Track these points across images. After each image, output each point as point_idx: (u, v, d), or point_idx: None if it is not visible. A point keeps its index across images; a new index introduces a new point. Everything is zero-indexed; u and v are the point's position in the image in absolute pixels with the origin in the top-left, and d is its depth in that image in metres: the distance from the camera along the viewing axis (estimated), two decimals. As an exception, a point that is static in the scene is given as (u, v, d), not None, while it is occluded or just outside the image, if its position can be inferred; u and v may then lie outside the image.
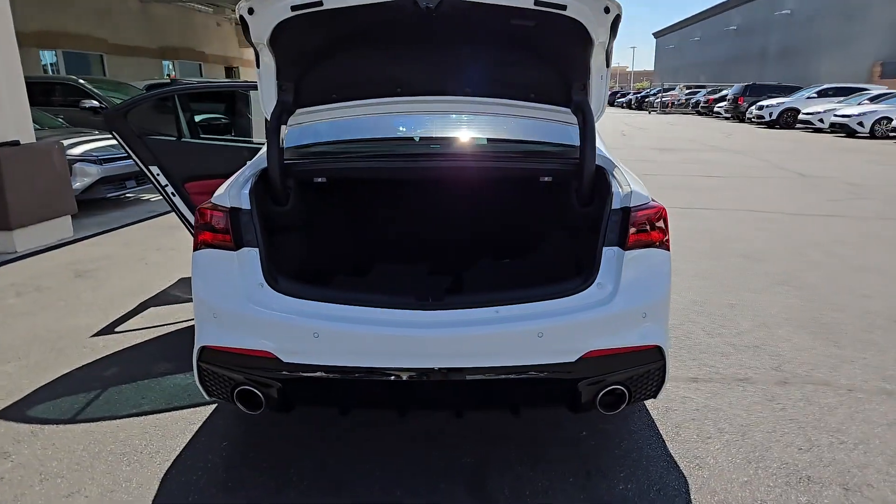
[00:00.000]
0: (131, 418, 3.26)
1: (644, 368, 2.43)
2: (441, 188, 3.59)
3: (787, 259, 6.16)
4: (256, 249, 2.48)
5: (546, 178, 2.98)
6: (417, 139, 3.39)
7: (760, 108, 25.79)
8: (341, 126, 3.23)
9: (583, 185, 2.72)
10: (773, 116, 24.83)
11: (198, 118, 7.05)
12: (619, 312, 2.34)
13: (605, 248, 2.44)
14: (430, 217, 3.78)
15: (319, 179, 2.99)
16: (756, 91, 28.48)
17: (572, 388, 2.39)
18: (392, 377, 2.34)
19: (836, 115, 21.03)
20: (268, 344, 2.37)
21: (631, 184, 2.54)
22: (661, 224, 2.46)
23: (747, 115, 27.24)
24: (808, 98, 24.65)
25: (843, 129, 20.64)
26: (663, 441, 2.97)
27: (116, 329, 4.48)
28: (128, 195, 9.58)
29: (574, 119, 2.87)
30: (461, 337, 2.28)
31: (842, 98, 23.35)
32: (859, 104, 21.20)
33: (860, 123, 19.90)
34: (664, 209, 2.49)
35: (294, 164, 2.92)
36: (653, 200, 2.50)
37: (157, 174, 4.42)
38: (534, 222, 3.64)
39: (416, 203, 3.75)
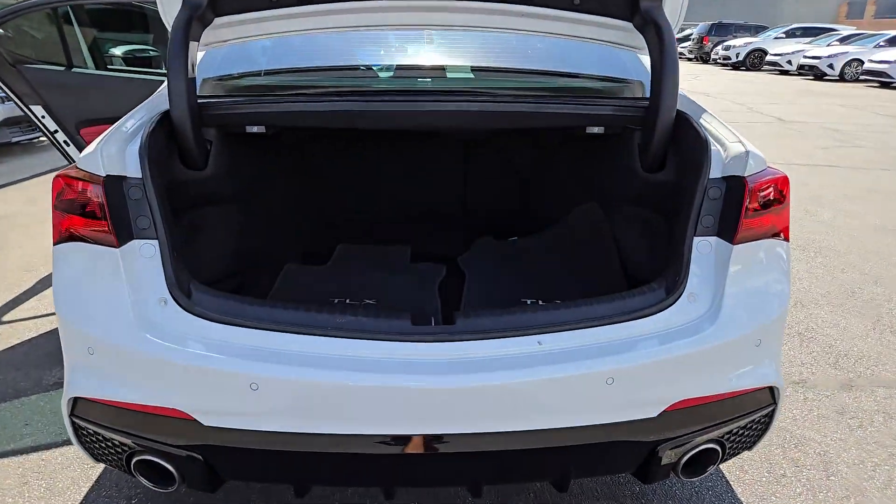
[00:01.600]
0: (7, 459, 2.39)
1: (749, 418, 1.66)
2: (436, 144, 2.65)
3: (795, 218, 5.49)
4: (155, 242, 1.57)
5: (595, 130, 2.07)
6: (401, 68, 2.41)
7: (727, 48, 25.02)
8: (287, 47, 2.25)
9: (654, 139, 1.85)
10: (740, 57, 24.12)
11: (120, 49, 5.80)
12: (724, 341, 1.54)
13: (696, 239, 1.62)
14: (420, 187, 2.84)
15: (255, 129, 2.01)
16: (722, 30, 27.65)
17: (649, 453, 1.60)
18: (377, 449, 1.50)
19: (805, 57, 20.47)
20: (178, 398, 1.50)
21: (742, 140, 1.70)
22: (784, 202, 1.65)
23: (713, 56, 26.51)
24: (776, 38, 24.01)
25: (812, 72, 20.16)
26: (728, 484, 2.26)
27: (4, 318, 3.48)
28: (41, 139, 8.23)
29: (637, 40, 1.96)
30: (488, 388, 1.44)
31: (810, 39, 22.81)
32: (829, 45, 20.70)
33: (830, 66, 19.40)
34: (787, 178, 1.67)
35: (214, 105, 1.93)
36: (770, 166, 1.67)
37: (43, 116, 3.35)
38: (574, 195, 2.70)
39: (401, 166, 2.80)
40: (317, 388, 1.44)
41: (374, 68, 2.43)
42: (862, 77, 18.37)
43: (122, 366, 1.52)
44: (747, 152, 1.61)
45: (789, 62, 21.63)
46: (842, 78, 19.24)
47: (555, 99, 1.99)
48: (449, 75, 2.36)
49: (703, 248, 1.62)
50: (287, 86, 2.20)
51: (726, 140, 1.70)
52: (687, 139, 1.76)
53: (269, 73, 2.27)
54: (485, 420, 1.48)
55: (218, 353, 1.47)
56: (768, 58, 22.90)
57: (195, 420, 1.49)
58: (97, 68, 3.99)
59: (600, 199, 2.42)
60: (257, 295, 2.19)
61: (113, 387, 1.53)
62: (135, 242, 1.57)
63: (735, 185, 1.60)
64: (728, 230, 1.60)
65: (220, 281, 2.10)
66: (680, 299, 1.58)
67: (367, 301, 2.15)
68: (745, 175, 1.59)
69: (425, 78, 2.36)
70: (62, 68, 3.51)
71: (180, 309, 1.53)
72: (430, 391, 1.43)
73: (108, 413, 1.56)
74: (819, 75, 19.96)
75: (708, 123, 1.80)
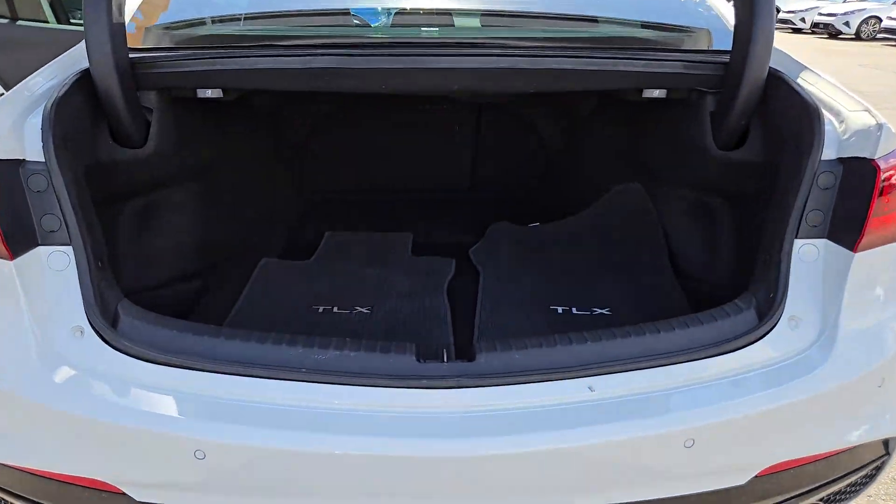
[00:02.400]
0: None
1: (856, 476, 1.28)
2: (444, 110, 2.22)
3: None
4: (68, 249, 1.16)
5: (655, 93, 1.62)
6: (401, 14, 1.94)
7: (737, 5, 24.29)
8: None
9: (735, 106, 1.42)
10: (752, 15, 23.40)
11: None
12: (841, 382, 1.15)
13: (798, 242, 1.21)
14: (423, 162, 2.43)
15: (210, 93, 1.56)
16: (733, -14, 26.78)
17: None
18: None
19: (820, 14, 19.78)
20: (99, 466, 1.11)
21: (870, 108, 1.28)
22: None
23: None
24: (790, -7, 23.20)
25: (826, 30, 19.48)
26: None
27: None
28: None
29: None
30: (524, 455, 1.05)
31: (825, -6, 22.02)
32: (845, 2, 19.95)
33: (846, 23, 18.73)
34: None
35: (152, 62, 1.47)
36: None
37: (-15, 78, 2.90)
38: (610, 173, 2.23)
39: (400, 137, 2.38)
40: (285, 457, 1.05)
41: (369, 10, 1.94)
42: (879, 35, 17.72)
43: (22, 419, 1.13)
44: (880, 125, 1.19)
45: (803, 20, 20.90)
46: (858, 36, 18.56)
47: (603, 52, 1.52)
48: (460, 23, 1.89)
49: (808, 254, 1.22)
50: (252, 35, 1.73)
51: (843, 108, 1.27)
52: (783, 106, 1.33)
53: (225, 20, 1.80)
54: (520, 496, 1.09)
55: (150, 407, 1.07)
56: (780, 15, 22.08)
57: (124, 494, 1.11)
58: (59, 23, 3.54)
59: (645, 180, 1.99)
60: (226, 300, 1.79)
61: (12, 447, 1.14)
62: (39, 250, 1.16)
63: (858, 171, 1.18)
64: (845, 231, 1.19)
65: (175, 285, 1.70)
66: (778, 325, 1.18)
67: (359, 309, 1.74)
68: (876, 157, 1.17)
69: (431, 26, 1.89)
70: (6, 21, 3.04)
71: (101, 342, 1.12)
72: (443, 460, 1.04)
73: (13, 477, 1.18)
74: (834, 34, 19.27)
75: (812, 85, 1.37)
